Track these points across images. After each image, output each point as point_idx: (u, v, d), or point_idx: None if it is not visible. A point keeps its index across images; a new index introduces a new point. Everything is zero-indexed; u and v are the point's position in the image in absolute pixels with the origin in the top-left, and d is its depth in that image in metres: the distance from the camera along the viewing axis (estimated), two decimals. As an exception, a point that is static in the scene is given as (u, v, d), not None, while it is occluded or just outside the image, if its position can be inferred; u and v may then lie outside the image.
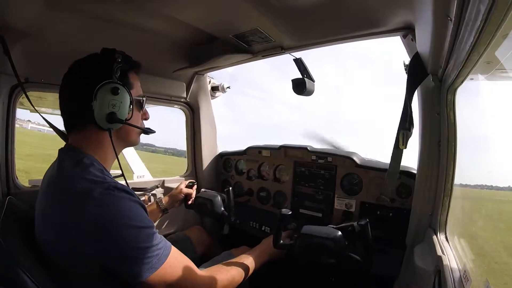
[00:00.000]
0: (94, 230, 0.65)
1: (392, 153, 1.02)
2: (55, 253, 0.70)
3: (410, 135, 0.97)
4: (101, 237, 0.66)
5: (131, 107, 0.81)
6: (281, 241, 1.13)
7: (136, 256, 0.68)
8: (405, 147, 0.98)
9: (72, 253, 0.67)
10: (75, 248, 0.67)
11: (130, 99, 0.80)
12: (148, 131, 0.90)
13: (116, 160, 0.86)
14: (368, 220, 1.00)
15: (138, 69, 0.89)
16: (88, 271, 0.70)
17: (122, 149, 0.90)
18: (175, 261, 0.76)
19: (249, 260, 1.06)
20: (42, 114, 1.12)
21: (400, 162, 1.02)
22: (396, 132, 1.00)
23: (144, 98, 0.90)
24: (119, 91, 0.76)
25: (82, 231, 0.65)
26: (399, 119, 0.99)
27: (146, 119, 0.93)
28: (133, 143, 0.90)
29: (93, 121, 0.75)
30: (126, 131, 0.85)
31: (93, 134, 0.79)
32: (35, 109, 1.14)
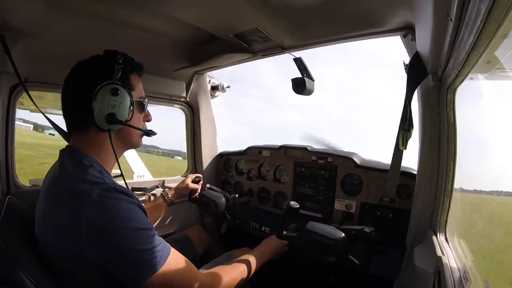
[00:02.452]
0: (92, 232, 0.65)
1: (393, 155, 1.01)
2: (54, 254, 0.70)
3: (410, 136, 0.96)
4: (99, 239, 0.65)
5: (131, 108, 0.81)
6: (284, 232, 1.12)
7: (135, 258, 0.67)
8: (405, 148, 0.98)
9: (71, 254, 0.67)
10: (73, 249, 0.66)
11: (130, 100, 0.80)
12: (149, 133, 0.90)
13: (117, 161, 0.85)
14: (374, 229, 0.99)
15: (140, 71, 0.89)
16: (87, 272, 0.69)
17: (124, 151, 0.89)
18: (175, 263, 0.75)
19: (249, 262, 1.06)
20: (45, 114, 1.12)
21: (400, 164, 1.01)
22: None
23: (146, 100, 0.89)
24: (119, 92, 0.76)
25: (80, 232, 0.65)
26: (399, 120, 0.98)
27: (149, 121, 0.93)
28: (135, 145, 0.90)
29: (94, 122, 0.75)
30: (127, 133, 0.84)
31: (93, 135, 0.79)
32: (38, 108, 1.14)
